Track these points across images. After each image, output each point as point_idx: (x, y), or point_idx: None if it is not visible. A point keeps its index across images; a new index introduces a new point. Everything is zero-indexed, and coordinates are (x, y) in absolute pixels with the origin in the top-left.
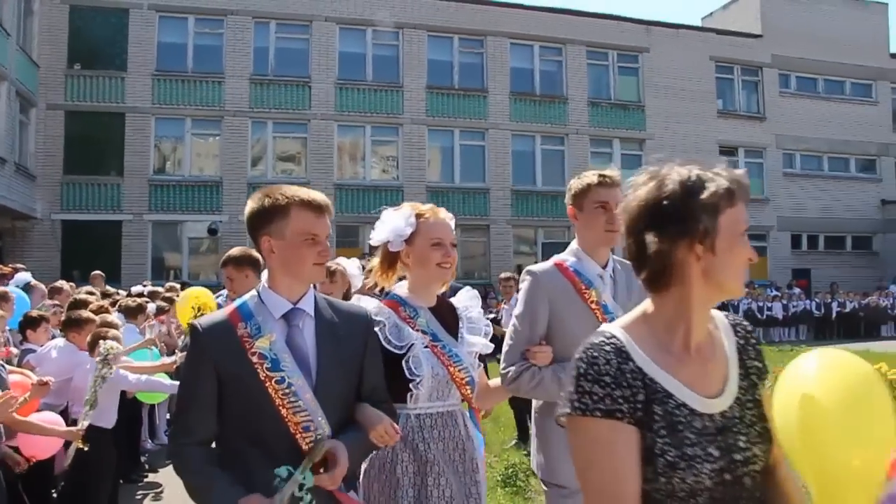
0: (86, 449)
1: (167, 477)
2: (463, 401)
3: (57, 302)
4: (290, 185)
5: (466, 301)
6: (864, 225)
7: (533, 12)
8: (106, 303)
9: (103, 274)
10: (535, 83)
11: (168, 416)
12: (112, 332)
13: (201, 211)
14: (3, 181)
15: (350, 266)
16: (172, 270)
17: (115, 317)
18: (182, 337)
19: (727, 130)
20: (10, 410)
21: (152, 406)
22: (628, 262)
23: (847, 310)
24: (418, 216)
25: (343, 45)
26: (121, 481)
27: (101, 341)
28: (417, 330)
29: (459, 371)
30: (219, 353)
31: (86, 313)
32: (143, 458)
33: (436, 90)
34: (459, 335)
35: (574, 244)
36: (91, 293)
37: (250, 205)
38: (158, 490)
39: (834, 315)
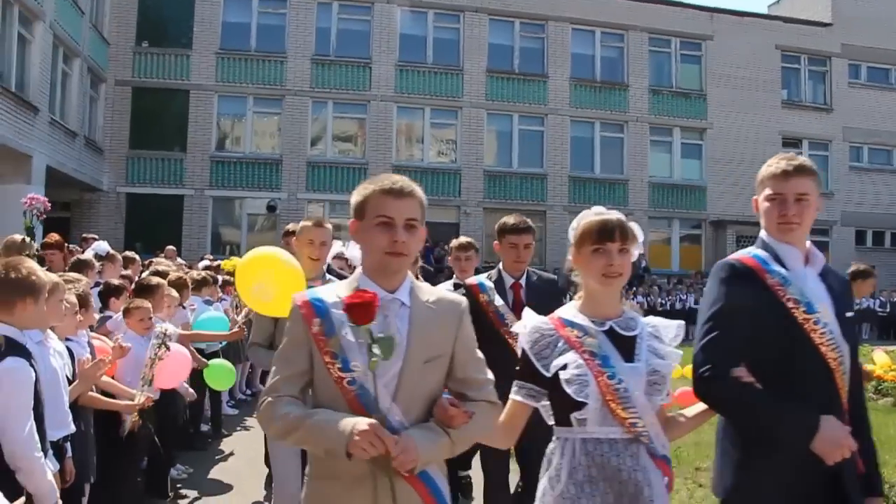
0: (140, 423)
1: (233, 444)
2: None
3: (129, 272)
4: None
5: None
6: None
7: None
8: (182, 274)
9: (175, 248)
10: (595, 69)
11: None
12: (139, 301)
13: (260, 188)
14: (73, 154)
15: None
16: (230, 246)
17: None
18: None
19: (791, 122)
20: (100, 374)
21: None
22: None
23: None
24: None
25: (404, 27)
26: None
27: (156, 325)
28: None
29: None
30: None
31: (155, 279)
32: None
33: (496, 74)
34: None
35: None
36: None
37: None
38: (228, 454)
39: None
